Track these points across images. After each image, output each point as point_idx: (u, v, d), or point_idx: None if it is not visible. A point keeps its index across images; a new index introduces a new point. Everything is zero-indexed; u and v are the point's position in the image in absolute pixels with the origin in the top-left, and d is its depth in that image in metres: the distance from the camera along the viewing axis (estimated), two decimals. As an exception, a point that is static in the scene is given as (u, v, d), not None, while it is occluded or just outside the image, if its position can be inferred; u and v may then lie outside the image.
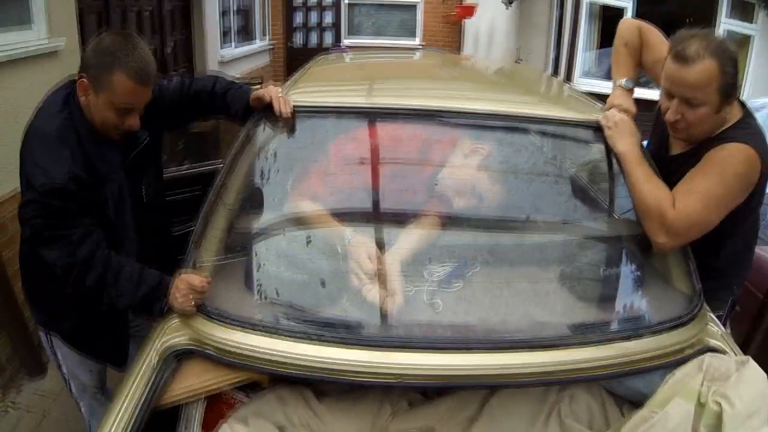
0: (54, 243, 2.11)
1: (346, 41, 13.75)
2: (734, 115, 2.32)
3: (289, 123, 2.44)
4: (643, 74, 2.66)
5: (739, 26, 8.90)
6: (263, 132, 2.48)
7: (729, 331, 4.23)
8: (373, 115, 2.50)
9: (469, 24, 12.49)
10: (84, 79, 2.17)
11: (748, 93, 8.72)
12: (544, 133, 2.55)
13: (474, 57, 9.64)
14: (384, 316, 2.04)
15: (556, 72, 7.47)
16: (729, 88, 2.18)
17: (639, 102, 2.56)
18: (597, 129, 2.45)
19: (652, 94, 2.44)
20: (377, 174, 2.39)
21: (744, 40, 9.05)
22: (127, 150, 2.38)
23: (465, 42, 12.94)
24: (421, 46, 13.41)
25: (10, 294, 3.73)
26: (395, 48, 12.54)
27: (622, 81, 2.58)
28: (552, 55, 8.23)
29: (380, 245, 2.18)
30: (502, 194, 2.38)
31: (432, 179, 2.41)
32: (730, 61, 2.16)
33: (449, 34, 13.54)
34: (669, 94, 2.26)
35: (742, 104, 2.39)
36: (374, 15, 14.17)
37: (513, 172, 2.47)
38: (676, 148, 2.49)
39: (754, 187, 2.26)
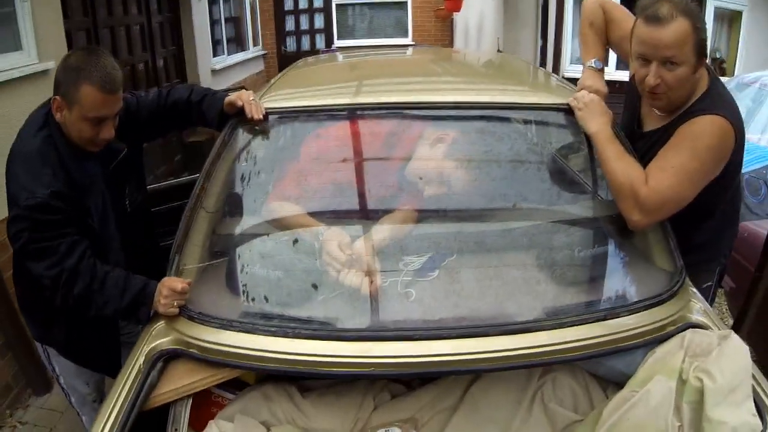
0: (40, 255, 2.18)
1: (337, 43, 13.79)
2: (703, 83, 2.33)
3: (262, 127, 2.50)
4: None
5: (730, 2, 8.91)
6: (238, 137, 2.54)
7: (725, 299, 4.28)
8: (341, 114, 2.56)
9: (459, 18, 12.49)
10: (57, 98, 2.23)
11: (739, 68, 8.73)
12: (515, 120, 2.57)
13: (461, 51, 9.64)
14: (358, 307, 2.08)
15: (543, 61, 7.47)
16: (703, 45, 2.20)
17: (608, 83, 2.56)
18: (569, 112, 2.46)
19: (623, 75, 2.45)
20: (349, 171, 2.44)
21: (735, 16, 9.06)
22: (106, 163, 2.44)
23: (456, 37, 12.95)
24: (412, 44, 13.44)
25: (14, 313, 3.76)
26: (383, 47, 12.57)
27: (591, 62, 2.59)
28: (539, 45, 8.25)
29: (354, 239, 2.21)
30: (477, 182, 2.40)
31: (403, 172, 2.43)
32: (700, 19, 2.18)
33: (440, 30, 13.53)
34: (645, 60, 2.25)
35: (709, 71, 2.39)
36: (364, 16, 14.17)
37: (486, 160, 2.49)
38: (649, 124, 2.50)
39: (730, 157, 2.26)
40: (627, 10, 2.54)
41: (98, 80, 2.17)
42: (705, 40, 2.21)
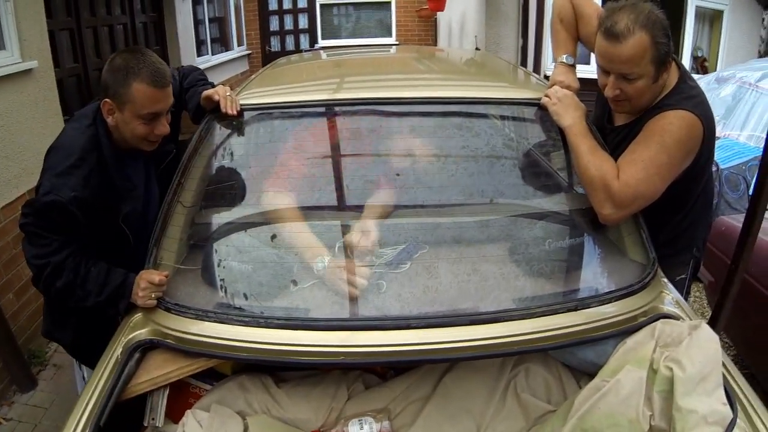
0: (33, 243, 2.22)
1: (322, 43, 13.81)
2: (671, 79, 2.35)
3: (237, 122, 2.53)
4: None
5: (711, 2, 8.97)
6: (214, 132, 2.56)
7: (705, 292, 4.31)
8: (317, 111, 2.59)
9: (442, 18, 12.51)
10: (107, 101, 2.25)
11: (721, 65, 8.81)
12: (489, 114, 2.60)
13: (438, 48, 9.68)
14: (330, 298, 2.10)
15: (524, 60, 7.48)
16: (663, 57, 2.21)
17: (589, 81, 2.59)
18: (542, 106, 2.48)
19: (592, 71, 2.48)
20: (324, 166, 2.49)
21: (716, 15, 9.13)
22: (157, 165, 2.52)
23: (439, 36, 12.98)
24: (396, 44, 13.47)
25: (-1, 311, 3.79)
26: (365, 46, 12.59)
27: (563, 57, 2.61)
28: (520, 44, 8.27)
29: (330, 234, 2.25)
30: (451, 176, 2.42)
31: (377, 167, 2.47)
32: (662, 29, 2.18)
33: (424, 29, 13.56)
34: (605, 71, 2.29)
35: (679, 66, 2.40)
36: (348, 16, 14.20)
37: (461, 154, 2.51)
38: (619, 119, 2.52)
39: (699, 150, 2.28)
40: (597, 5, 2.56)
41: (148, 76, 2.20)
42: (666, 51, 2.21)
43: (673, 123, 2.22)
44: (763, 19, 8.49)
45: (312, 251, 2.19)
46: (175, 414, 2.07)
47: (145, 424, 2.04)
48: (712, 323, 3.00)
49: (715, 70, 8.53)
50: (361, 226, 2.26)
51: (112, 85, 2.23)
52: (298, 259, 2.19)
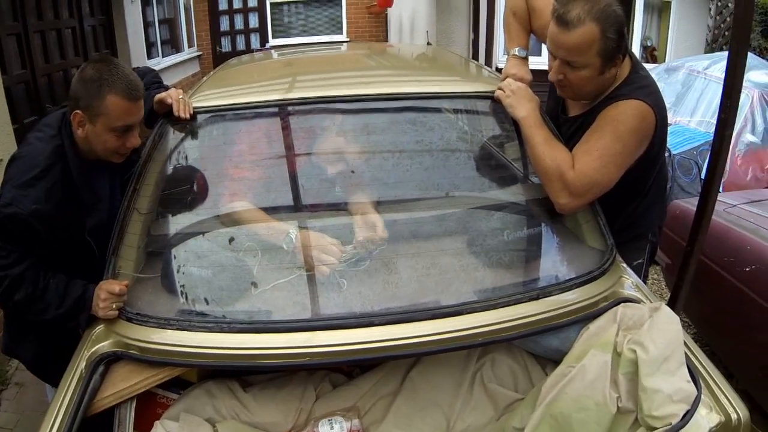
0: None
1: (273, 42, 13.73)
2: (624, 70, 2.37)
3: (191, 126, 2.50)
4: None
5: (659, -7, 9.14)
6: (168, 137, 2.53)
7: (663, 275, 4.38)
8: (270, 111, 2.57)
9: (392, 13, 12.55)
10: (77, 112, 2.18)
11: (670, 55, 8.97)
12: (442, 109, 2.62)
13: (390, 44, 9.67)
14: (292, 299, 2.10)
15: (476, 53, 7.53)
16: (612, 51, 2.22)
17: (533, 72, 2.60)
18: (495, 99, 2.49)
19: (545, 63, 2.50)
20: (279, 167, 2.47)
21: (664, 6, 9.30)
22: (122, 174, 2.45)
23: (391, 32, 13.01)
24: (346, 40, 13.46)
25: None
26: (317, 44, 12.57)
27: (515, 50, 2.62)
28: (471, 37, 8.32)
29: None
30: (407, 172, 2.43)
31: (329, 166, 2.45)
32: (614, 24, 2.18)
33: (375, 25, 13.56)
34: (552, 55, 2.32)
35: (631, 57, 2.43)
36: (299, 14, 14.15)
37: (416, 150, 2.52)
38: (573, 109, 2.55)
39: (652, 138, 2.32)
40: None
41: (122, 88, 2.15)
42: (616, 46, 2.22)
43: (626, 112, 2.25)
44: (710, 9, 8.66)
45: (278, 229, 2.20)
46: (143, 426, 2.04)
47: (115, 439, 2.01)
48: (672, 304, 3.04)
49: (665, 59, 8.69)
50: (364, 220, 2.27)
51: (84, 97, 2.17)
52: (265, 243, 2.19)
